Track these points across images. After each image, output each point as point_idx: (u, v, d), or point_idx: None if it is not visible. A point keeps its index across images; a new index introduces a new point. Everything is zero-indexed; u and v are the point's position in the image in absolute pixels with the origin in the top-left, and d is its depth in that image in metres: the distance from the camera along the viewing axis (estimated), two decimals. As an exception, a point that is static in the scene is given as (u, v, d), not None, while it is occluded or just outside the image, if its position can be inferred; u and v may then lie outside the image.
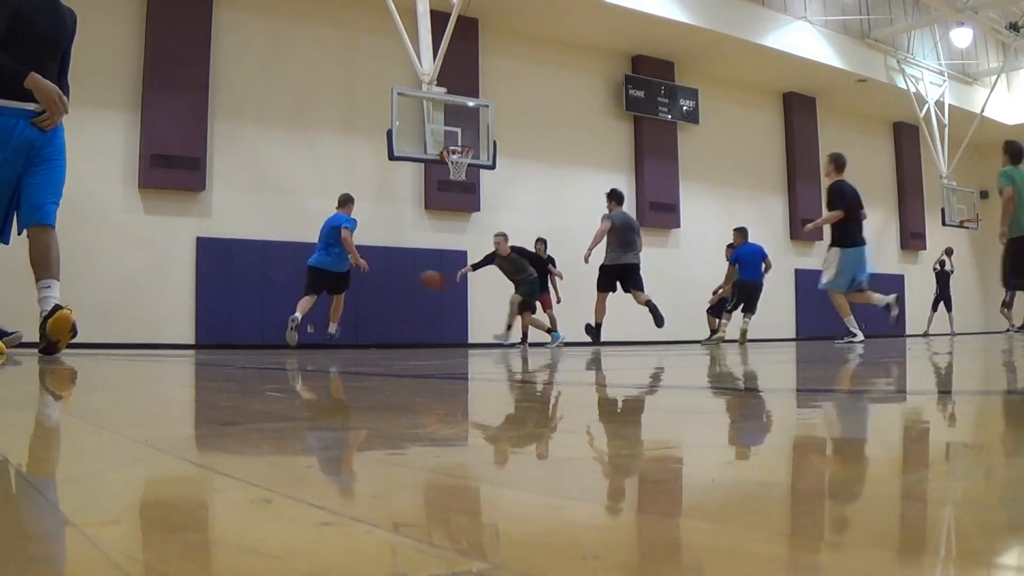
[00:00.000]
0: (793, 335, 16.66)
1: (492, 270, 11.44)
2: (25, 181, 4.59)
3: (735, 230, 12.26)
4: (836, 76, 16.97)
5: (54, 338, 4.57)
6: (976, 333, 18.79)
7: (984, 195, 21.96)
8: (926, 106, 18.45)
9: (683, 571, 0.54)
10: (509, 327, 11.19)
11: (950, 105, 19.04)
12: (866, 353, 5.69)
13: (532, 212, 13.70)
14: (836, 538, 0.61)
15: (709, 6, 14.55)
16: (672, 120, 15.55)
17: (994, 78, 19.55)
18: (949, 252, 18.11)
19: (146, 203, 10.87)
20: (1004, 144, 9.11)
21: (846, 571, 0.51)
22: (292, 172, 11.90)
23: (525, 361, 5.50)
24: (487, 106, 11.32)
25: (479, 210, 13.29)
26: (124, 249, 10.55)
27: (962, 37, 18.92)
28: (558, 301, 11.79)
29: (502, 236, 11.11)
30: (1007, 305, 17.34)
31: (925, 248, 20.05)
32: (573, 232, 12.53)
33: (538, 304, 11.66)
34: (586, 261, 10.27)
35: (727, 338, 11.80)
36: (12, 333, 5.52)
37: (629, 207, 15.16)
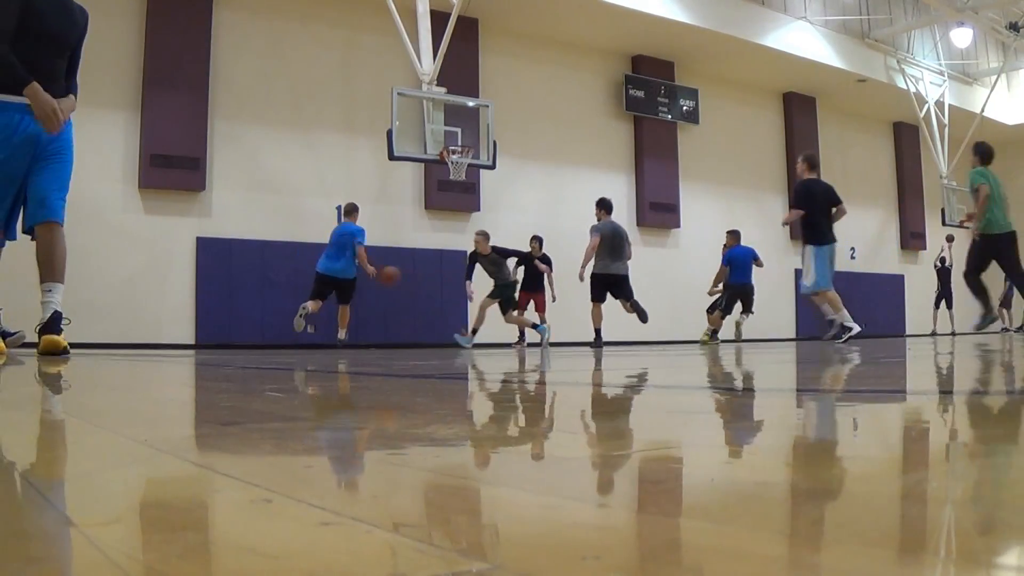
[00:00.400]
0: (793, 335, 16.67)
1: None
2: (31, 178, 4.58)
3: (728, 232, 12.45)
4: (836, 76, 16.97)
5: (44, 351, 4.60)
6: (973, 333, 18.78)
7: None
8: (926, 106, 18.45)
9: (683, 571, 0.54)
10: (474, 331, 11.20)
11: (950, 105, 19.04)
12: (866, 353, 5.69)
13: (532, 212, 13.70)
14: (836, 538, 0.61)
15: (709, 6, 14.55)
16: (672, 120, 15.55)
17: (994, 78, 19.55)
18: (950, 239, 17.93)
19: (146, 203, 10.87)
20: (974, 146, 9.24)
21: (846, 571, 0.51)
22: (292, 172, 11.90)
23: (522, 361, 5.50)
24: (487, 106, 11.32)
25: (479, 210, 13.29)
26: (124, 249, 10.55)
27: (962, 37, 18.92)
28: (553, 299, 11.77)
29: (482, 235, 11.16)
30: (1005, 305, 17.32)
31: (925, 248, 20.04)
32: (573, 232, 12.51)
33: (531, 303, 11.69)
34: (581, 279, 10.46)
35: (719, 338, 11.93)
36: (15, 333, 5.52)
37: (629, 207, 15.21)
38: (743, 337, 12.54)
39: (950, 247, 17.98)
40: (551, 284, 11.74)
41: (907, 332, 18.88)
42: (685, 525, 0.68)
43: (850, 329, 8.94)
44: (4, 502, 0.80)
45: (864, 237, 19.14)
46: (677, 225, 15.59)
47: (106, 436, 1.37)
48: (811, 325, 16.30)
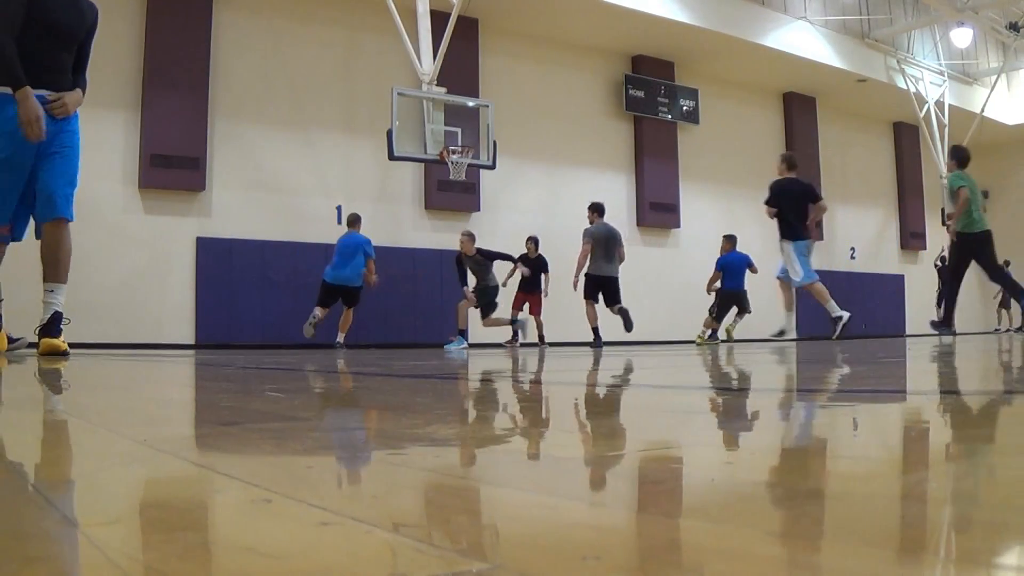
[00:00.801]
0: (793, 335, 16.64)
1: (497, 271, 11.46)
2: (39, 174, 4.56)
3: (724, 237, 12.50)
4: (836, 76, 16.97)
5: (44, 354, 4.59)
6: (974, 333, 18.78)
7: (985, 195, 21.90)
8: (926, 106, 18.46)
9: (683, 571, 0.54)
10: (462, 332, 11.23)
11: (950, 105, 19.05)
12: (866, 353, 5.69)
13: (532, 212, 13.70)
14: (836, 538, 0.61)
15: (709, 6, 14.55)
16: (672, 120, 15.56)
17: (994, 78, 19.56)
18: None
19: (146, 203, 10.87)
20: (951, 150, 9.64)
21: (846, 571, 0.51)
22: (292, 172, 11.90)
23: (515, 361, 5.50)
24: (487, 106, 11.33)
25: (479, 210, 13.29)
26: (124, 249, 10.56)
27: (962, 37, 18.93)
28: (545, 295, 11.74)
29: (467, 236, 11.15)
30: (1004, 305, 17.32)
31: (925, 248, 20.05)
32: (573, 232, 12.50)
33: (527, 305, 11.70)
34: (575, 288, 10.53)
35: (717, 340, 12.00)
36: (18, 339, 5.52)
37: (629, 207, 15.21)
38: (734, 339, 12.59)
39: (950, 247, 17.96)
40: (546, 283, 11.70)
41: (907, 332, 18.88)
42: (685, 525, 0.68)
43: (840, 318, 9.26)
44: (4, 502, 0.80)
45: (864, 237, 19.14)
46: (677, 225, 15.60)
47: (106, 436, 1.37)
48: (812, 325, 16.31)
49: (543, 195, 14.07)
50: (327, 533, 0.63)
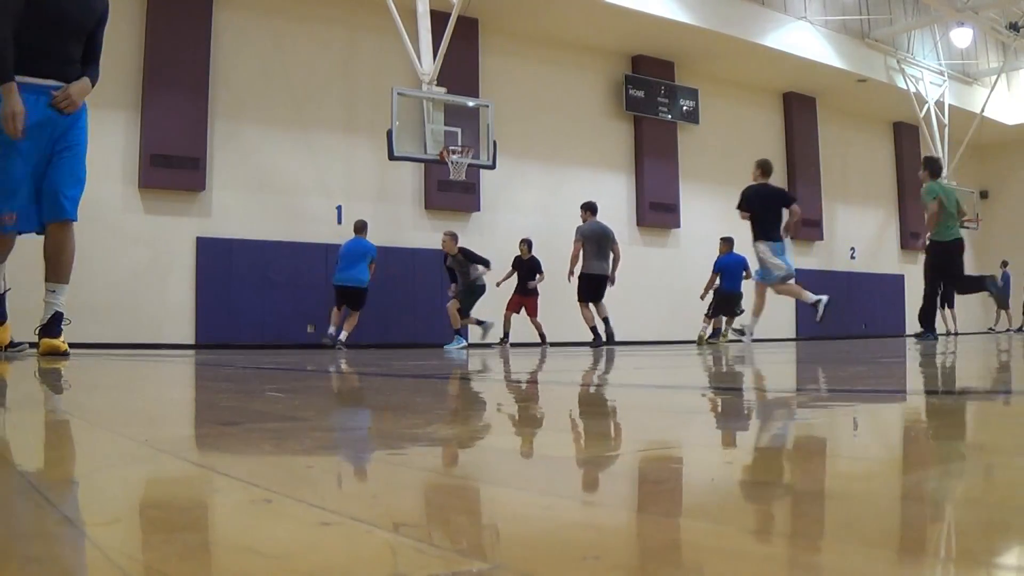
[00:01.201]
0: (793, 335, 16.66)
1: (497, 273, 11.46)
2: (48, 171, 4.54)
3: (722, 239, 12.52)
4: (836, 76, 16.97)
5: (44, 354, 4.59)
6: (973, 333, 18.78)
7: (984, 195, 21.92)
8: (926, 106, 18.45)
9: (683, 571, 0.54)
10: (457, 332, 11.22)
11: (950, 105, 19.04)
12: (866, 353, 5.69)
13: (532, 212, 13.70)
14: (836, 538, 0.61)
15: (709, 6, 14.55)
16: (672, 120, 15.56)
17: (994, 78, 19.55)
18: None
19: (146, 203, 10.87)
20: (924, 160, 10.02)
21: (846, 571, 0.51)
22: (292, 172, 11.90)
23: (507, 361, 5.50)
24: (487, 106, 11.32)
25: (479, 210, 13.29)
26: (124, 249, 10.56)
27: (962, 37, 18.93)
28: (535, 292, 11.73)
29: (450, 235, 11.14)
30: (1003, 306, 17.31)
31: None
32: (573, 232, 12.52)
33: (523, 308, 11.70)
34: (569, 280, 10.57)
35: (718, 340, 12.02)
36: (20, 344, 5.52)
37: (629, 207, 15.21)
38: (729, 339, 12.59)
39: None
40: (538, 281, 11.67)
41: (907, 332, 18.86)
42: (685, 525, 0.68)
43: (819, 301, 9.42)
44: (4, 502, 0.80)
45: (864, 237, 19.14)
46: (677, 225, 15.59)
47: (106, 436, 1.37)
48: (811, 325, 16.32)
49: (543, 195, 14.07)
50: (327, 533, 0.63)
